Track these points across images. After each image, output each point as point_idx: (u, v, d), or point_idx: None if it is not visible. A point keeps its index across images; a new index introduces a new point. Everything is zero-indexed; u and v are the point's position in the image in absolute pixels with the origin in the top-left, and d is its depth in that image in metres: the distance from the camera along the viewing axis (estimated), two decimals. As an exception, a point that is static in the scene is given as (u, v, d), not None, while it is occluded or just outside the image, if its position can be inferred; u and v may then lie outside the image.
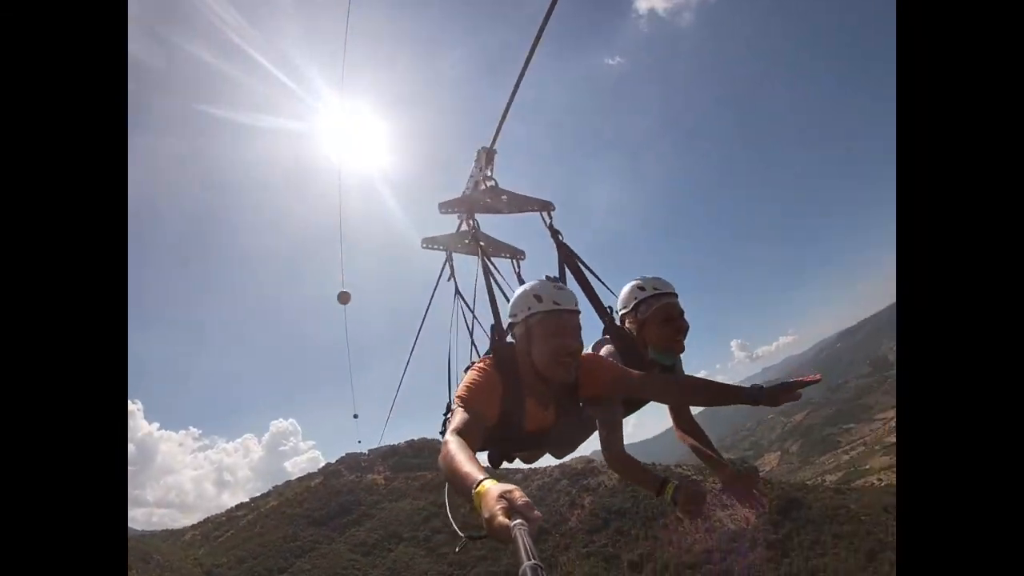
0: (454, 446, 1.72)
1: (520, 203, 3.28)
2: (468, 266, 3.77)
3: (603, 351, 2.76)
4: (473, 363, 2.42)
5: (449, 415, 3.38)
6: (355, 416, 17.86)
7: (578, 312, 2.31)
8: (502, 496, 1.28)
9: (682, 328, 2.69)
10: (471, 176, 3.35)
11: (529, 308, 2.23)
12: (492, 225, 3.56)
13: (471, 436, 1.87)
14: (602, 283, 3.01)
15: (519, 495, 1.27)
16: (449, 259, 3.77)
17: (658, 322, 2.68)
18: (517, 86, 2.59)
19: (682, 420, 2.98)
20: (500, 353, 2.32)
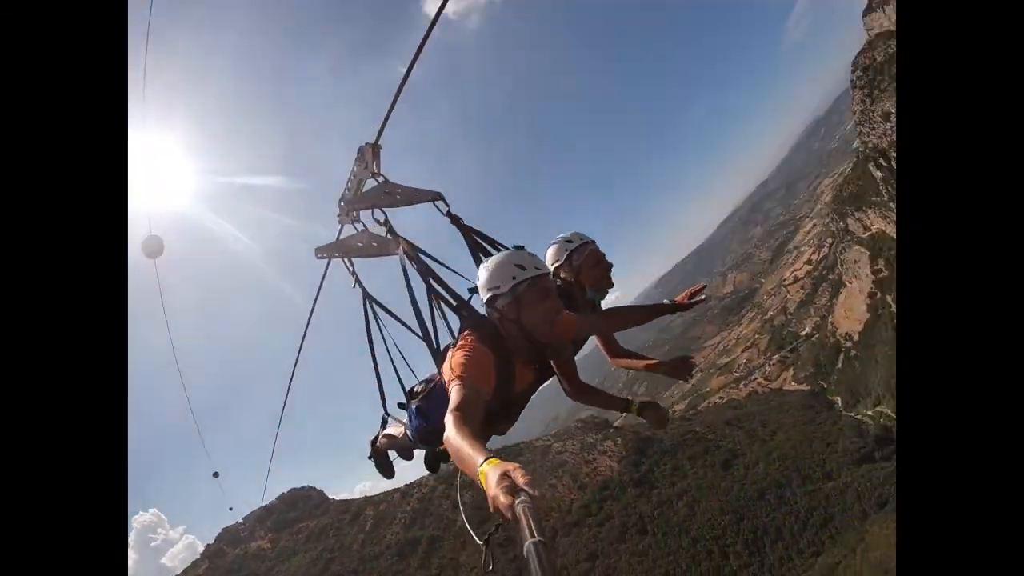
0: (457, 426, 1.73)
1: (412, 196, 3.24)
2: (369, 269, 3.47)
3: None
4: (453, 344, 2.48)
5: (385, 424, 3.22)
6: (215, 475, 16.43)
7: (551, 272, 2.44)
8: (504, 475, 1.30)
9: (610, 266, 3.18)
10: (352, 176, 3.19)
11: (514, 277, 2.30)
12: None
13: (473, 411, 1.88)
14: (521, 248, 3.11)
15: (521, 474, 1.28)
16: (349, 265, 3.44)
17: (591, 266, 3.11)
18: (407, 77, 2.58)
19: (612, 347, 3.47)
20: (481, 328, 2.35)
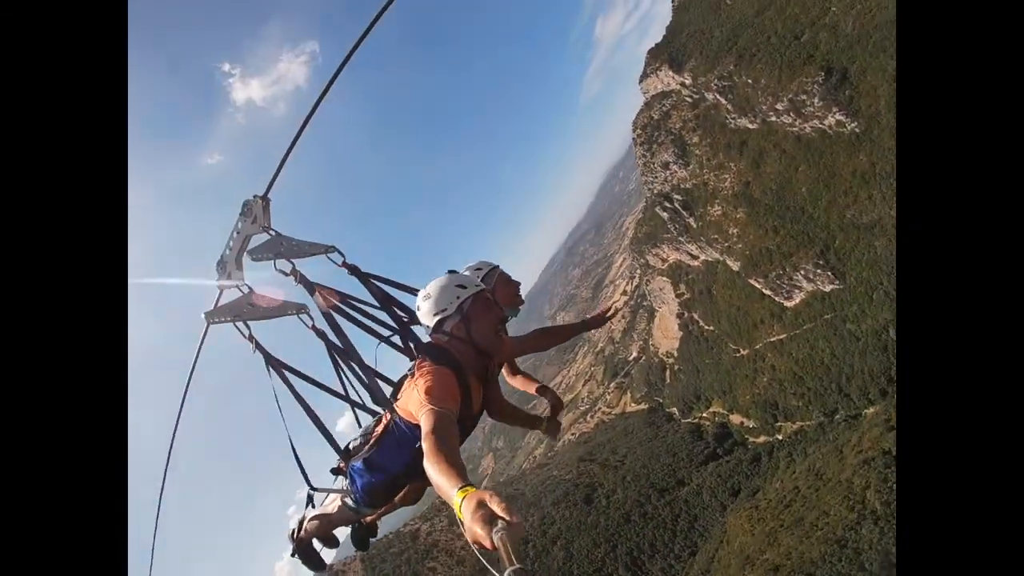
0: (433, 451, 1.69)
1: (308, 249, 3.15)
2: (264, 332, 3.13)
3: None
4: (409, 374, 2.50)
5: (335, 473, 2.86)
6: None
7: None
8: (480, 503, 1.29)
9: (518, 285, 3.45)
10: (236, 232, 3.00)
11: (458, 297, 2.43)
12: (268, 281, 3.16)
13: (447, 433, 1.86)
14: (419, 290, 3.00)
15: (497, 501, 1.27)
16: (245, 329, 3.09)
17: (503, 285, 3.34)
18: None
19: (513, 366, 3.70)
20: (433, 352, 2.35)
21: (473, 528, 1.24)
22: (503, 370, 3.57)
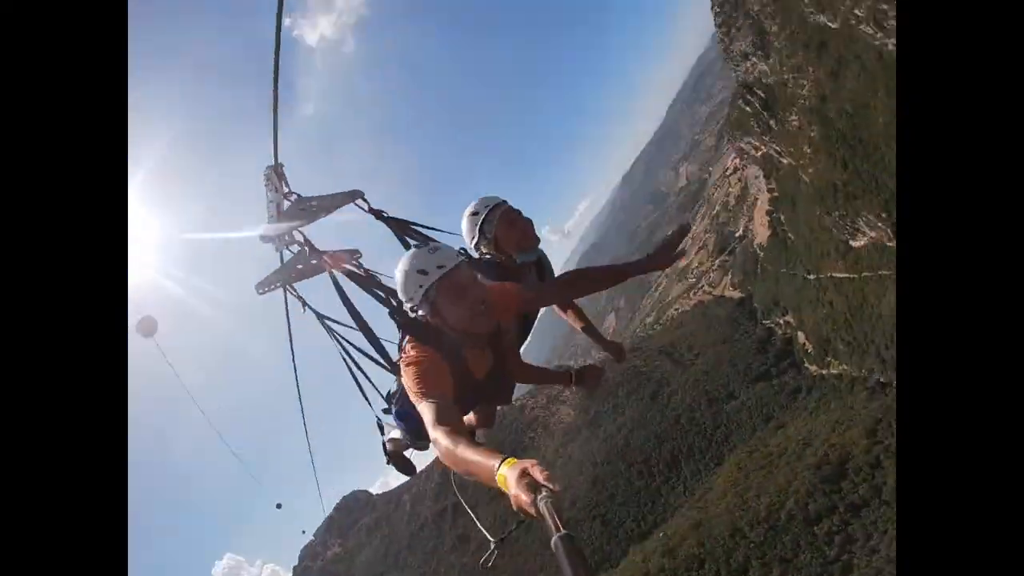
0: (450, 441, 1.71)
1: (331, 203, 3.14)
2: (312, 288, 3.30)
3: None
4: (400, 360, 2.37)
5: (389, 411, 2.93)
6: (278, 506, 17.26)
7: (464, 259, 2.26)
8: (524, 472, 1.32)
9: (527, 224, 2.94)
10: (270, 203, 3.13)
11: (420, 286, 2.16)
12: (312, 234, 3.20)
13: (452, 418, 1.88)
14: (448, 232, 3.05)
15: (540, 470, 1.30)
16: (292, 291, 3.29)
17: (505, 229, 2.90)
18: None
19: (568, 308, 3.40)
20: (416, 331, 2.25)
21: (519, 496, 1.27)
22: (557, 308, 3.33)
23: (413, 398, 2.04)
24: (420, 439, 2.88)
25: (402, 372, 2.18)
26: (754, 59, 79.46)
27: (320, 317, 3.17)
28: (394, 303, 2.62)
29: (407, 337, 2.25)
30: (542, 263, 3.10)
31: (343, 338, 3.12)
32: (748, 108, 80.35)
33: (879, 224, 61.60)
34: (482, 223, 2.89)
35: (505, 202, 2.95)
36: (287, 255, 3.18)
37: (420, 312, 2.21)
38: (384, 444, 3.47)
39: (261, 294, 3.13)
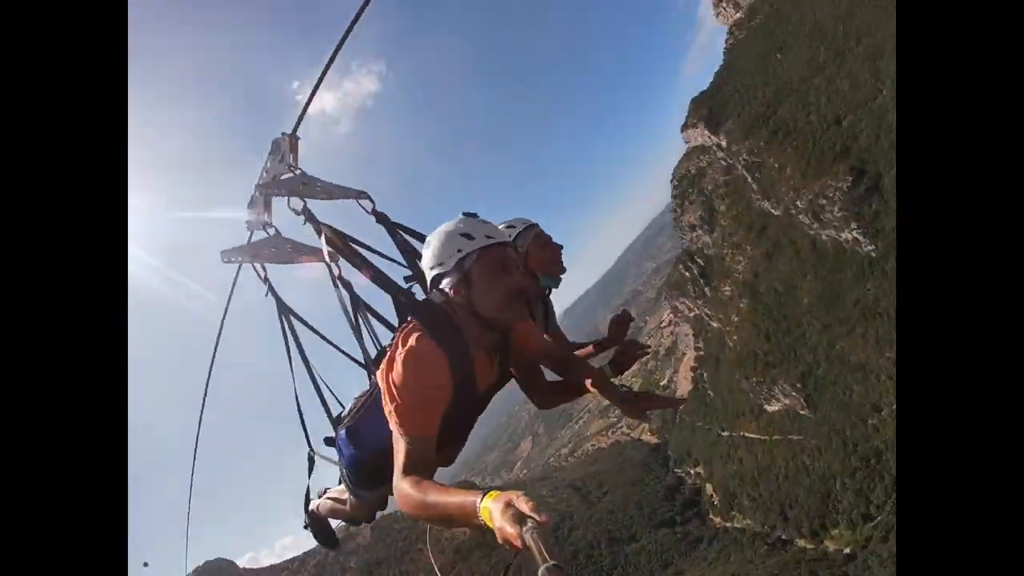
0: (417, 490, 1.58)
1: (332, 190, 2.89)
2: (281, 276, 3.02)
3: None
4: (388, 350, 1.91)
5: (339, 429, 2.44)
6: (145, 564, 15.11)
7: (512, 245, 1.99)
8: (508, 504, 1.29)
9: (558, 250, 2.80)
10: (265, 172, 2.91)
11: (459, 250, 1.83)
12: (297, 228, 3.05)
13: (425, 469, 1.69)
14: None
15: (525, 501, 1.27)
16: (258, 271, 3.02)
17: (539, 249, 2.75)
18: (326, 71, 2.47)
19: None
20: (426, 313, 1.85)
21: (504, 528, 1.25)
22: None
23: (389, 409, 1.73)
24: (357, 483, 2.43)
25: (388, 366, 1.79)
26: (700, 231, 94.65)
27: (284, 310, 2.89)
28: (392, 286, 2.24)
29: (410, 324, 1.87)
30: (547, 303, 2.94)
31: (298, 341, 2.84)
32: (688, 273, 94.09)
33: (793, 393, 71.24)
34: (516, 236, 2.74)
35: (538, 225, 2.84)
36: (256, 239, 2.96)
37: (442, 284, 1.87)
38: (307, 498, 3.02)
39: (225, 263, 2.93)
